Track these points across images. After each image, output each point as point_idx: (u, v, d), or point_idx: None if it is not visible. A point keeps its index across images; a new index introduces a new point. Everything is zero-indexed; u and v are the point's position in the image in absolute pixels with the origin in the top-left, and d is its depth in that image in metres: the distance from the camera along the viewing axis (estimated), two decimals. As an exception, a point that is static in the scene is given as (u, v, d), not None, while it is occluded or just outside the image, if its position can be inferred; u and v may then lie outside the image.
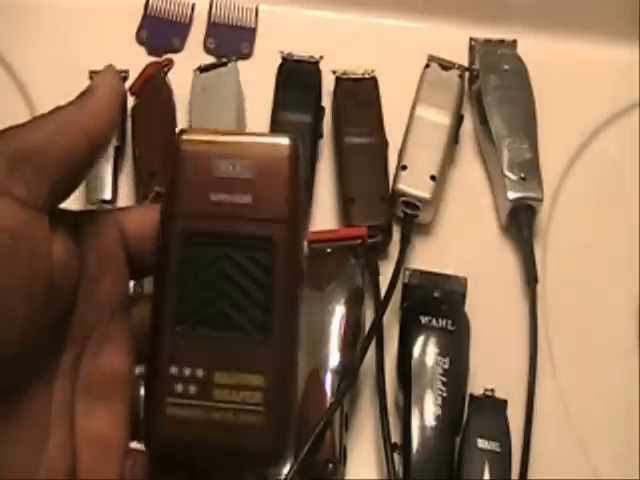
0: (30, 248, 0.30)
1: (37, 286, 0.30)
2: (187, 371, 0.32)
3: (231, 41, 0.74)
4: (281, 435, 0.32)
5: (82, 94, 0.34)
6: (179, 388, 0.32)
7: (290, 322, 0.34)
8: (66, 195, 0.34)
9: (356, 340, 0.56)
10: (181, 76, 0.68)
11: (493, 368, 0.58)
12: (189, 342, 0.32)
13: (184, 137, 0.34)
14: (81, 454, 0.33)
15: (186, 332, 0.33)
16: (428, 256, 0.63)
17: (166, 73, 0.70)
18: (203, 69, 0.67)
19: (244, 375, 0.32)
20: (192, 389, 0.32)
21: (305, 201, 0.35)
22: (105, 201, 0.63)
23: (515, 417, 0.56)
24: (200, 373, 0.32)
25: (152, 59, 0.71)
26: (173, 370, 0.32)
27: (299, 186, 0.34)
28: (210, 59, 0.71)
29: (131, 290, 0.36)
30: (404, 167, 0.64)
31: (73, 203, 0.66)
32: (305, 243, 0.34)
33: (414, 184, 0.63)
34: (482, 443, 0.54)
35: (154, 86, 0.68)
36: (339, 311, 0.56)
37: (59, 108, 0.34)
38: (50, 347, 0.32)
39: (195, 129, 0.37)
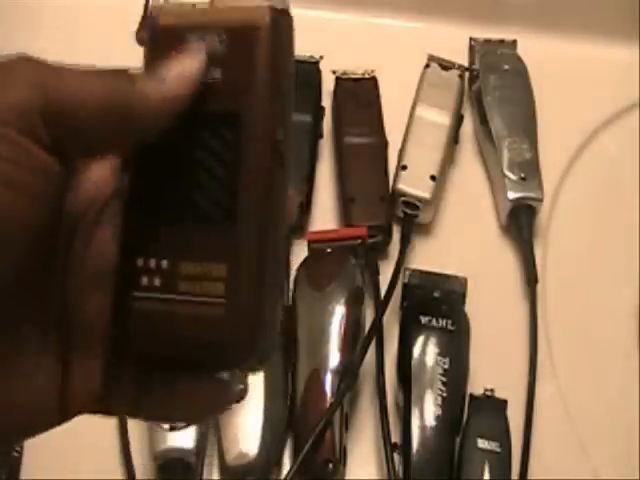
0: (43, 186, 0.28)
1: (40, 215, 0.29)
2: (152, 262, 0.30)
3: (231, 41, 0.74)
4: (246, 328, 0.29)
5: (154, 69, 0.31)
6: (144, 281, 0.30)
7: (260, 206, 0.30)
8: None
9: (356, 340, 0.56)
10: (181, 76, 0.68)
11: (493, 368, 0.58)
12: (154, 232, 0.31)
13: (158, 12, 0.33)
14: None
15: (152, 222, 0.31)
16: (428, 256, 0.63)
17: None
18: (203, 69, 0.67)
19: (208, 265, 0.30)
20: (157, 281, 0.30)
21: (290, 75, 0.32)
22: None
23: (515, 417, 0.56)
24: (165, 264, 0.30)
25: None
26: (139, 262, 0.31)
27: (278, 57, 0.31)
28: (210, 59, 0.71)
29: None
30: (404, 167, 0.64)
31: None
32: (286, 124, 0.31)
33: (414, 184, 0.63)
34: (482, 443, 0.54)
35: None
36: (339, 311, 0.56)
37: (125, 75, 0.30)
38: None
39: (173, 4, 0.33)
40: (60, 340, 0.31)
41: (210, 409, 0.33)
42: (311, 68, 0.68)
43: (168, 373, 0.31)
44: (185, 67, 0.30)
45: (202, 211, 0.30)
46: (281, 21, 0.32)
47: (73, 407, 0.32)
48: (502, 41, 0.71)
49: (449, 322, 0.57)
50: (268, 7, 0.31)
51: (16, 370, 0.30)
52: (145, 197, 0.31)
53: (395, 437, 0.55)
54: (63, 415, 0.32)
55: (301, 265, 0.59)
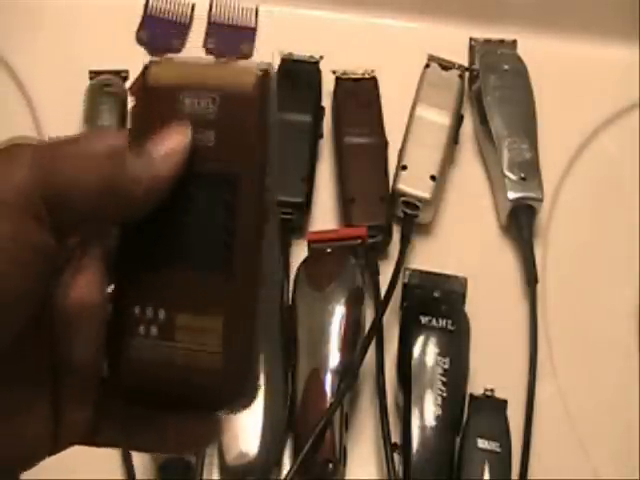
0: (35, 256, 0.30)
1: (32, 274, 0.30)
2: (149, 312, 0.32)
3: (231, 41, 0.74)
4: (239, 375, 0.32)
5: (143, 145, 0.31)
6: (142, 329, 0.32)
7: (252, 260, 0.32)
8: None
9: (356, 340, 0.56)
10: (181, 76, 0.68)
11: (493, 368, 0.58)
12: (152, 282, 0.32)
13: (152, 69, 0.34)
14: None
15: (149, 272, 0.32)
16: (428, 256, 0.63)
17: (166, 73, 0.70)
18: (203, 69, 0.67)
19: (205, 317, 0.32)
20: (154, 330, 0.32)
21: (275, 134, 0.33)
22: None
23: (515, 417, 0.56)
24: (162, 314, 0.32)
25: (153, 59, 0.71)
26: (136, 310, 0.32)
27: (267, 116, 0.33)
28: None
29: None
30: (404, 167, 0.64)
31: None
32: (271, 181, 0.32)
33: (414, 184, 0.63)
34: (482, 443, 0.54)
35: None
36: (339, 311, 0.56)
37: (118, 157, 0.31)
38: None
39: (166, 60, 0.36)
40: (52, 385, 0.33)
41: (199, 443, 0.36)
42: (311, 68, 0.68)
43: (161, 414, 0.33)
44: (174, 146, 0.32)
45: (199, 265, 0.32)
46: (267, 81, 0.33)
47: (65, 443, 0.34)
48: (502, 41, 0.71)
49: (449, 322, 0.57)
50: (257, 69, 0.33)
51: (12, 419, 0.33)
52: (142, 248, 0.32)
53: (395, 437, 0.55)
54: (55, 450, 0.35)
55: (301, 265, 0.59)
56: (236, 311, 0.32)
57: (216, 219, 0.32)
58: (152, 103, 0.33)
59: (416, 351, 0.56)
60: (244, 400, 0.32)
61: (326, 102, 0.68)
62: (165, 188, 0.31)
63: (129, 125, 0.33)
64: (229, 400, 0.32)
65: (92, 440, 0.34)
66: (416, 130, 0.65)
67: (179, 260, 0.32)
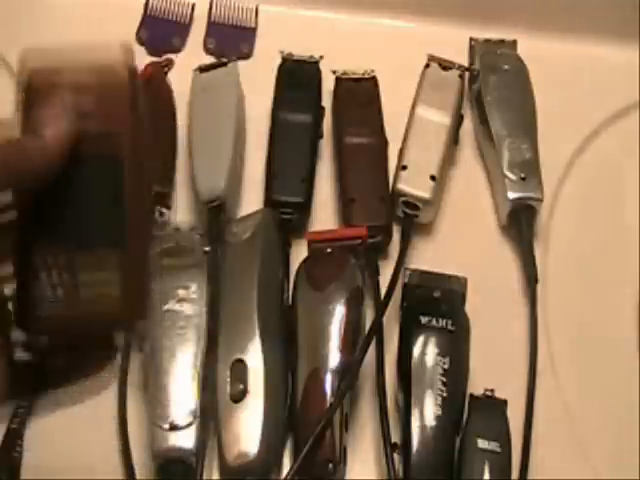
0: None
1: None
2: (55, 274, 0.37)
3: (231, 41, 0.74)
4: (135, 308, 0.38)
5: (34, 124, 0.36)
6: (48, 291, 0.37)
7: (141, 226, 0.38)
8: None
9: (356, 340, 0.56)
10: (181, 76, 0.68)
11: (493, 368, 0.58)
12: (55, 253, 0.37)
13: (30, 66, 0.38)
14: None
15: (52, 245, 0.37)
16: (428, 256, 0.63)
17: (166, 73, 0.70)
18: (203, 69, 0.67)
19: (104, 273, 0.37)
20: (59, 291, 0.37)
21: (146, 121, 0.38)
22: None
23: (515, 417, 0.56)
24: (66, 277, 0.37)
25: (152, 59, 0.71)
26: (43, 276, 0.37)
27: (138, 101, 0.38)
28: (210, 59, 0.72)
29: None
30: (404, 167, 0.64)
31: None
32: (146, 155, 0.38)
33: (414, 184, 0.63)
34: (482, 443, 0.54)
35: (154, 86, 0.68)
36: (339, 311, 0.56)
37: (16, 143, 0.36)
38: None
39: (38, 51, 0.39)
40: None
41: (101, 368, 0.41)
42: (311, 68, 0.68)
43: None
44: (60, 127, 0.36)
45: (93, 235, 0.37)
46: (134, 73, 0.38)
47: None
48: (502, 41, 0.71)
49: (449, 322, 0.57)
50: (126, 63, 0.38)
51: None
52: (43, 221, 0.37)
53: (395, 437, 0.55)
54: None
55: (301, 265, 0.59)
56: (129, 267, 0.37)
57: (105, 192, 0.37)
58: (34, 90, 0.37)
59: (416, 351, 0.56)
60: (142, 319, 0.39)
61: (326, 102, 0.68)
62: (58, 161, 0.35)
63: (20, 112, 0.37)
64: (131, 322, 0.42)
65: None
66: (416, 130, 0.65)
67: (78, 234, 0.37)
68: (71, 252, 0.37)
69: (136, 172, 0.37)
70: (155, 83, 0.68)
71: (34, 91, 0.37)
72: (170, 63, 0.71)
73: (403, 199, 0.63)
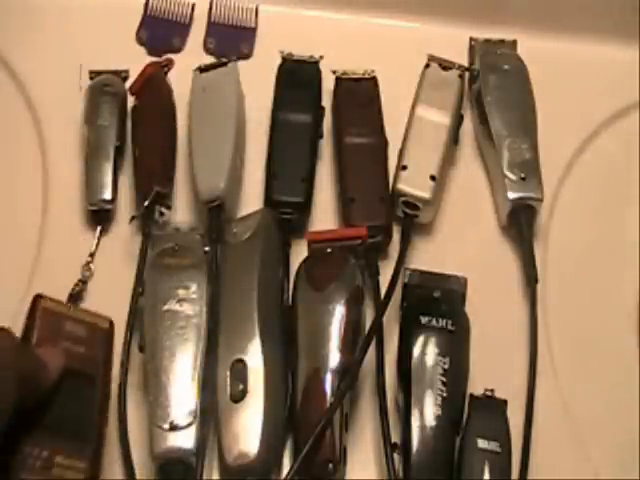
0: None
1: None
2: (36, 450, 0.48)
3: (231, 41, 0.74)
4: None
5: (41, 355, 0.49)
6: (30, 461, 0.48)
7: (103, 432, 0.52)
8: None
9: (356, 340, 0.56)
10: (181, 76, 0.68)
11: (493, 368, 0.58)
12: (39, 442, 0.48)
13: (42, 304, 0.51)
14: None
15: (37, 435, 0.48)
16: (428, 256, 0.63)
17: (166, 73, 0.70)
18: (203, 69, 0.67)
19: (73, 460, 0.49)
20: (38, 463, 0.48)
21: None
22: (105, 201, 0.64)
23: (515, 417, 0.56)
24: (45, 454, 0.48)
25: (152, 59, 0.71)
26: (28, 449, 0.48)
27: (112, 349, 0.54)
28: (210, 59, 0.72)
29: None
30: (404, 167, 0.64)
31: (74, 207, 0.66)
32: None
33: (414, 184, 0.63)
34: (482, 443, 0.54)
35: (154, 86, 0.68)
36: (339, 311, 0.56)
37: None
38: None
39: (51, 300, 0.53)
40: None
41: None
42: (311, 68, 0.68)
43: None
44: (59, 362, 0.50)
45: (69, 429, 0.50)
46: (112, 331, 0.55)
47: None
48: (502, 41, 0.71)
49: (449, 322, 0.57)
50: (110, 332, 0.55)
51: None
52: (33, 418, 0.49)
53: (395, 437, 0.55)
54: None
55: (301, 265, 0.59)
56: (94, 454, 0.50)
57: (82, 400, 0.51)
58: (43, 320, 0.51)
59: (416, 351, 0.56)
60: None
61: (326, 102, 0.68)
62: (52, 381, 0.49)
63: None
64: None
65: None
66: (416, 130, 0.65)
67: (59, 427, 0.49)
68: (54, 439, 0.49)
69: (103, 390, 0.52)
70: (155, 83, 0.68)
71: (43, 328, 0.51)
72: (170, 63, 0.71)
73: (403, 199, 0.63)
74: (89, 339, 0.52)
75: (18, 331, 0.59)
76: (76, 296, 0.61)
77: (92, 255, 0.63)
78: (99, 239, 0.64)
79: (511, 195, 0.63)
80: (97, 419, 0.51)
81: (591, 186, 0.68)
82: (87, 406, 0.51)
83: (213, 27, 0.74)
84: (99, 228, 0.64)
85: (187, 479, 0.54)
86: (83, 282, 0.62)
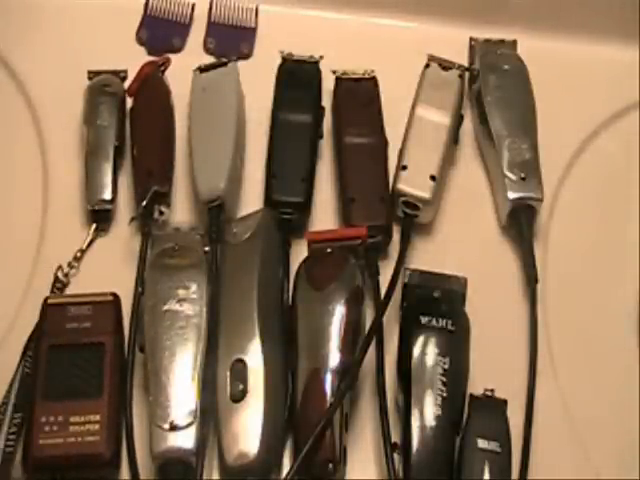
0: None
1: None
2: (52, 418, 0.54)
3: (231, 41, 0.74)
4: (113, 446, 0.54)
5: None
6: (47, 428, 0.54)
7: (116, 385, 0.56)
8: None
9: (356, 340, 0.56)
10: (181, 76, 0.68)
11: (493, 368, 0.58)
12: (52, 410, 0.54)
13: (49, 301, 0.58)
14: None
15: (49, 407, 0.55)
16: (428, 256, 0.63)
17: (163, 72, 0.70)
18: (203, 69, 0.67)
19: (87, 415, 0.54)
20: (55, 427, 0.54)
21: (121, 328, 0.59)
22: (105, 201, 0.64)
23: (515, 417, 0.56)
24: (60, 418, 0.54)
25: (152, 59, 0.71)
26: (43, 419, 0.54)
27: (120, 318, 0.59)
28: (210, 59, 0.72)
29: None
30: (404, 167, 0.64)
31: (74, 207, 0.66)
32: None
33: (414, 184, 0.63)
34: (482, 443, 0.54)
35: (151, 86, 0.68)
36: (339, 311, 0.56)
37: None
38: None
39: (57, 296, 0.61)
40: None
41: None
42: (311, 68, 0.68)
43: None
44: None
45: (83, 392, 0.55)
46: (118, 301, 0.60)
47: None
48: (502, 41, 0.71)
49: (449, 322, 0.57)
50: (112, 299, 0.59)
51: None
52: (46, 385, 0.55)
53: (395, 437, 0.55)
54: None
55: (301, 265, 0.59)
56: (107, 413, 0.55)
57: (92, 365, 0.56)
58: (51, 316, 0.58)
59: (416, 351, 0.56)
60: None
61: (326, 102, 0.68)
62: None
63: None
64: (109, 461, 0.54)
65: None
66: (416, 130, 0.65)
67: (73, 391, 0.55)
68: (66, 404, 0.54)
69: (116, 351, 0.57)
70: (152, 83, 0.68)
71: (50, 322, 0.58)
72: (167, 62, 0.71)
73: (403, 199, 0.63)
74: (94, 314, 0.58)
75: (18, 331, 0.59)
76: (61, 289, 0.62)
77: (82, 251, 0.63)
78: (93, 238, 0.64)
79: (511, 195, 0.63)
80: (109, 375, 0.56)
81: (591, 186, 0.68)
82: (96, 367, 0.56)
83: (213, 27, 0.74)
84: (94, 226, 0.64)
85: (187, 479, 0.54)
86: (64, 279, 0.62)
